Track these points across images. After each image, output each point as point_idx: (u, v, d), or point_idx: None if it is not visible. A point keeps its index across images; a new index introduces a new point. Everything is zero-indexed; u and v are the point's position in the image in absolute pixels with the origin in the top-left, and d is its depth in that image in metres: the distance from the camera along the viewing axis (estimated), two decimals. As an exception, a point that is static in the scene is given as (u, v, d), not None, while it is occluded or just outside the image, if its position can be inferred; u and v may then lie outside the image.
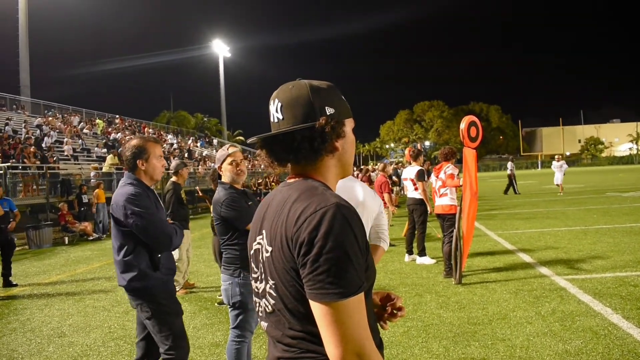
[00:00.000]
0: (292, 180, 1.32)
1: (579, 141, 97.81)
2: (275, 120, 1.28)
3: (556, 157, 23.23)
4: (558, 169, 22.02)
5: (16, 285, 8.41)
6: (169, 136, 37.28)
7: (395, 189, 15.67)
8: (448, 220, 7.07)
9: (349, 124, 1.33)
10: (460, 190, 6.79)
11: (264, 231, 1.26)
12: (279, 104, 1.27)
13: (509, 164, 24.06)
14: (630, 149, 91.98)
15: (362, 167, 22.15)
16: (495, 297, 5.85)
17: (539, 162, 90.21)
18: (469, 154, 6.59)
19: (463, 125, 6.52)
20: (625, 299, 5.41)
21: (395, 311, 1.48)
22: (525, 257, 7.97)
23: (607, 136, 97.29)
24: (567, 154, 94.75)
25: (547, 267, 7.14)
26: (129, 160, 3.14)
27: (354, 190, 2.68)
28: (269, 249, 1.21)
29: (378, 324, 1.43)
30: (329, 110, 1.26)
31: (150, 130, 36.47)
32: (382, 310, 1.49)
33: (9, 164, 15.65)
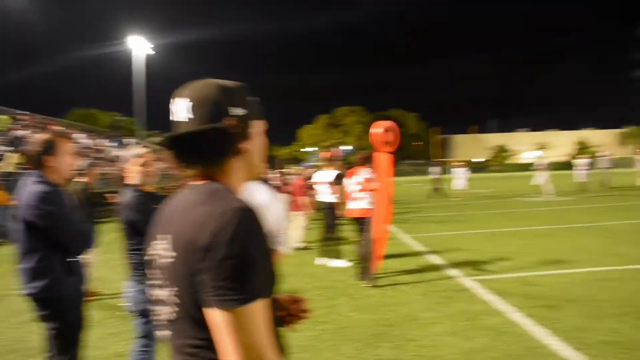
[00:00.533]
0: (196, 183, 1.26)
1: (489, 148, 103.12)
2: (183, 119, 1.23)
3: (457, 164, 24.50)
4: (460, 175, 23.20)
5: None
6: (79, 134, 35.47)
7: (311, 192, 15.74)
8: (364, 223, 7.15)
9: (259, 126, 1.31)
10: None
11: (168, 236, 1.19)
12: (190, 103, 1.23)
13: (436, 169, 24.92)
14: (539, 157, 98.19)
15: (280, 170, 22.11)
16: (406, 298, 5.98)
17: (451, 168, 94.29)
18: (383, 159, 6.71)
19: (380, 130, 6.64)
20: (526, 298, 5.70)
21: (300, 313, 1.47)
22: (436, 259, 8.23)
23: (516, 144, 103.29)
24: (482, 160, 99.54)
25: (456, 269, 7.40)
26: (35, 156, 2.89)
27: (259, 193, 2.62)
28: (173, 254, 1.15)
29: (284, 328, 1.42)
30: (238, 112, 1.24)
31: (58, 127, 34.49)
32: (287, 313, 1.47)
33: None
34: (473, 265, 7.59)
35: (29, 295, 2.81)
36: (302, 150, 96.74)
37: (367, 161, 7.34)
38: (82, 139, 33.88)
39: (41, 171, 2.90)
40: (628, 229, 10.80)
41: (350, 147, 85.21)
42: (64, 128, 34.46)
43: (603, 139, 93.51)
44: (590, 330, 4.59)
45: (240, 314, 1.03)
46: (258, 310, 1.06)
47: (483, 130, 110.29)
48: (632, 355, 4.00)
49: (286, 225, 2.92)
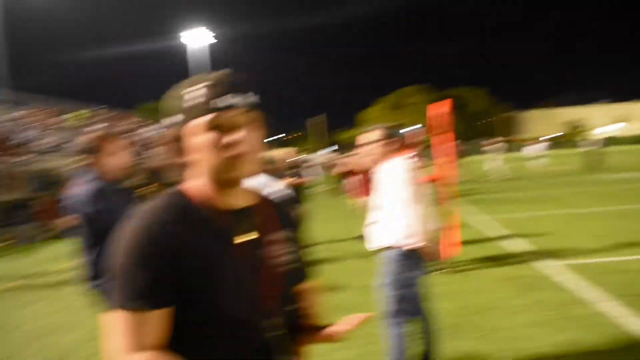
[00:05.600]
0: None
1: (565, 123, 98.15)
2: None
3: (531, 141, 23.38)
4: (535, 152, 22.17)
5: None
6: (149, 127, 36.79)
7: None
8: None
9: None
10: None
11: None
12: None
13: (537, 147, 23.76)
14: (619, 129, 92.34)
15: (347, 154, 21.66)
16: (485, 286, 5.73)
17: (523, 146, 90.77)
18: (441, 141, 6.44)
19: (437, 111, 6.38)
20: (616, 285, 5.30)
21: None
22: (516, 243, 7.86)
23: (594, 118, 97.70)
24: (557, 135, 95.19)
25: (538, 253, 7.03)
26: (85, 155, 3.06)
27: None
28: None
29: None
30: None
31: (133, 120, 35.93)
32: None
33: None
34: (556, 250, 7.17)
35: (92, 288, 3.01)
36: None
37: (414, 143, 6.93)
38: (151, 131, 35.08)
39: (93, 169, 3.03)
40: None
41: (418, 127, 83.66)
42: (135, 121, 35.86)
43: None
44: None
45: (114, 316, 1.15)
46: (118, 318, 1.13)
47: (558, 104, 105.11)
48: None
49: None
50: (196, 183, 1.22)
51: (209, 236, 1.17)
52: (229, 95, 1.15)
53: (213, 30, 54.04)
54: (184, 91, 1.20)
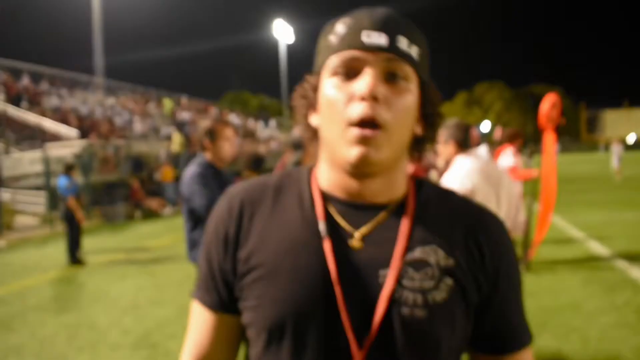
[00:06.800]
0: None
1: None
2: None
3: (614, 141, 22.20)
4: (616, 153, 21.10)
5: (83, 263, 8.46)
6: (232, 116, 38.03)
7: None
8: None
9: (325, 74, 0.86)
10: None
11: None
12: None
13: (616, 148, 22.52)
14: None
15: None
16: (565, 285, 5.69)
17: (603, 146, 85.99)
18: (550, 139, 6.29)
19: (546, 105, 6.14)
20: None
21: None
22: (596, 245, 7.67)
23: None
24: (634, 136, 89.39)
25: (619, 256, 6.86)
26: (200, 141, 3.29)
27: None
28: None
29: None
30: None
31: (215, 110, 37.30)
32: None
33: (86, 141, 16.47)
34: (637, 254, 6.96)
35: (191, 261, 3.19)
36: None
37: (513, 138, 6.81)
38: (234, 119, 36.24)
39: (203, 154, 3.27)
40: None
41: (489, 124, 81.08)
42: (217, 110, 37.13)
43: None
44: None
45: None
46: (192, 309, 0.96)
47: (636, 104, 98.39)
48: None
49: None
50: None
51: (297, 229, 0.86)
52: (370, 33, 0.81)
53: (292, 24, 54.72)
54: (325, 28, 0.89)
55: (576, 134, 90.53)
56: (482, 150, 8.37)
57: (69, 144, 16.26)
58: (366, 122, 0.78)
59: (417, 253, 0.82)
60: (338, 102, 0.81)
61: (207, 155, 3.26)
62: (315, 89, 0.88)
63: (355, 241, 0.83)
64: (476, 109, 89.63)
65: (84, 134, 18.11)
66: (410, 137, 0.86)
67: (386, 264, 0.81)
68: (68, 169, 8.85)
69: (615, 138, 24.23)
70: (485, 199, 3.04)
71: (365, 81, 0.78)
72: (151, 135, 25.00)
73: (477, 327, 0.87)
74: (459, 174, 3.13)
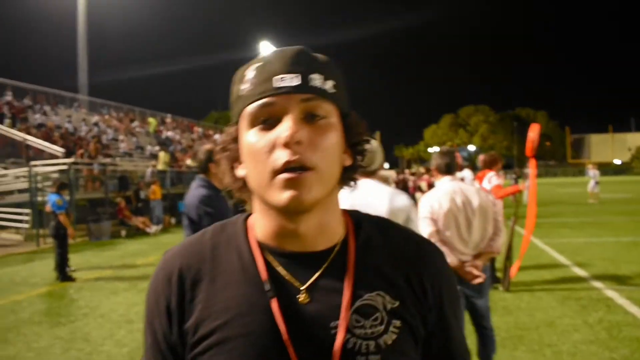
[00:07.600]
0: None
1: (629, 149, 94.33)
2: None
3: (589, 166, 23.27)
4: (592, 177, 22.26)
5: (73, 279, 8.54)
6: (217, 136, 38.17)
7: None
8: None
9: (243, 125, 0.83)
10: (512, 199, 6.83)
11: None
12: None
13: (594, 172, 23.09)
14: None
15: (408, 171, 21.91)
16: (542, 304, 5.99)
17: (587, 170, 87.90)
18: (533, 164, 6.63)
19: (533, 134, 6.19)
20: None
21: None
22: (573, 267, 8.02)
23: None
24: (618, 162, 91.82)
25: (594, 277, 7.21)
26: (202, 163, 3.45)
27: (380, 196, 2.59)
28: None
29: None
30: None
31: (199, 129, 37.45)
32: None
33: (72, 159, 16.50)
34: (612, 275, 7.33)
35: None
36: (427, 150, 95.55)
37: (492, 164, 6.89)
38: (219, 139, 36.29)
39: (206, 176, 3.44)
40: None
41: (473, 148, 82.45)
42: (202, 130, 37.22)
43: None
44: None
45: None
46: None
47: (619, 130, 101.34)
48: None
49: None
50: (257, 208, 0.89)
51: (242, 290, 0.83)
52: (283, 76, 0.79)
53: (277, 45, 55.25)
54: (236, 76, 0.87)
55: (562, 157, 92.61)
56: (466, 173, 8.79)
57: (54, 161, 16.28)
58: (294, 167, 0.77)
59: (364, 300, 0.83)
60: (260, 152, 0.79)
61: (211, 178, 3.44)
62: (235, 140, 0.86)
63: (302, 296, 0.82)
64: (462, 132, 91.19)
65: (68, 152, 18.14)
66: (339, 170, 0.85)
67: (335, 316, 0.81)
68: (60, 188, 8.97)
69: (591, 164, 25.23)
70: (452, 219, 3.39)
71: (285, 127, 0.77)
72: (136, 153, 25.06)
73: (425, 354, 0.89)
74: (431, 196, 3.51)
